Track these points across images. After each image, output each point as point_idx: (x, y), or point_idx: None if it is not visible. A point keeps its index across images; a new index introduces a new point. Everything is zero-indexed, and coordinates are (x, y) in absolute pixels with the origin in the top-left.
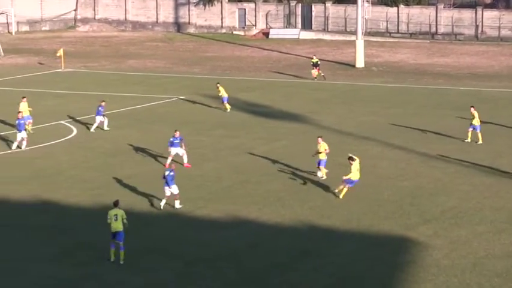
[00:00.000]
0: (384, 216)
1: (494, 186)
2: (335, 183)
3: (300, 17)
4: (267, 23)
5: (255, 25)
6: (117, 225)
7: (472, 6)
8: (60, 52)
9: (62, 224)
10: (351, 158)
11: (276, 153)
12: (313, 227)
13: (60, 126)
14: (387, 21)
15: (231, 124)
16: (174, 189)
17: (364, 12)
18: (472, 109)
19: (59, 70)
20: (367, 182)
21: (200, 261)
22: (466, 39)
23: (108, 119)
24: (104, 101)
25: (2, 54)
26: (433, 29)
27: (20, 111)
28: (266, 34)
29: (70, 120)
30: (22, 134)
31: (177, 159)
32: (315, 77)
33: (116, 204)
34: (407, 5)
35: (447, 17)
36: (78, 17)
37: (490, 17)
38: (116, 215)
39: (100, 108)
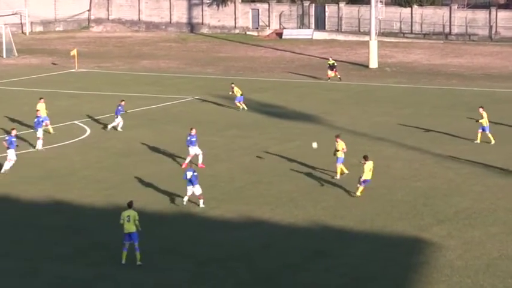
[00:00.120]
0: (398, 217)
1: (508, 187)
2: (349, 184)
3: (313, 17)
4: (280, 24)
5: (269, 25)
6: (130, 227)
7: (486, 6)
8: (74, 52)
9: (76, 224)
10: (365, 157)
11: (289, 153)
12: (326, 228)
13: (74, 127)
14: (401, 22)
15: (244, 124)
16: (197, 189)
17: (377, 13)
18: (480, 109)
19: (73, 70)
20: (381, 183)
21: (213, 262)
22: (480, 39)
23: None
24: (123, 100)
25: (16, 54)
26: (447, 30)
27: (38, 110)
28: (279, 34)
29: (84, 120)
30: (39, 133)
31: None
32: (329, 78)
33: (129, 205)
34: (421, 5)
35: (461, 18)
36: (92, 17)
37: (504, 17)
38: (129, 216)
39: (119, 107)
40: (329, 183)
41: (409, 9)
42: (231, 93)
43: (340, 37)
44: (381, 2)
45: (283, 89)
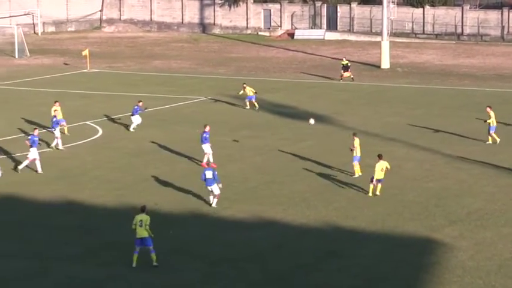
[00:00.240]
0: (409, 218)
1: None
2: (361, 185)
3: (325, 17)
4: (292, 24)
5: (280, 26)
6: (142, 232)
7: (498, 7)
8: (86, 53)
9: (87, 224)
10: (379, 156)
11: (301, 153)
12: (338, 228)
13: (86, 127)
14: (413, 22)
15: (257, 125)
16: (216, 188)
17: (389, 13)
18: (488, 109)
19: (85, 70)
20: (393, 183)
21: (225, 262)
22: (492, 40)
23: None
24: (140, 101)
25: (28, 54)
26: (459, 30)
27: (55, 110)
28: (291, 35)
29: (95, 120)
30: (57, 133)
31: (198, 157)
32: (341, 78)
33: (142, 209)
34: (433, 5)
35: (473, 18)
36: (104, 17)
37: None
38: (141, 220)
39: (136, 107)
40: (342, 184)
41: (421, 9)
42: (241, 92)
43: (352, 37)
44: (392, 2)
45: (295, 89)
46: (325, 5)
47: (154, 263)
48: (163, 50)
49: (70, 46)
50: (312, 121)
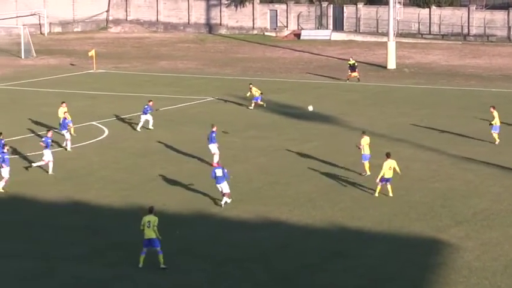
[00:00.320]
0: (415, 218)
1: None
2: (367, 185)
3: (331, 18)
4: (298, 24)
5: (287, 26)
6: (150, 233)
7: (505, 7)
8: (92, 53)
9: (93, 225)
10: (387, 155)
11: (306, 154)
12: (344, 228)
13: (92, 127)
14: (419, 23)
15: (262, 125)
16: (225, 186)
17: (395, 14)
18: (491, 109)
19: (91, 71)
20: (399, 184)
21: (230, 262)
22: (499, 40)
23: (144, 122)
24: (151, 100)
25: (34, 55)
26: (465, 31)
27: (65, 111)
28: (297, 35)
29: (102, 121)
30: (67, 135)
31: (207, 158)
32: (348, 78)
33: (150, 210)
34: (439, 6)
35: (479, 18)
36: (110, 18)
37: None
38: (149, 221)
39: (147, 107)
40: (347, 184)
41: (427, 10)
42: (248, 94)
43: (358, 38)
44: (399, 2)
45: (301, 89)
46: (332, 5)
47: (162, 265)
48: (169, 51)
49: (76, 47)
50: (310, 108)
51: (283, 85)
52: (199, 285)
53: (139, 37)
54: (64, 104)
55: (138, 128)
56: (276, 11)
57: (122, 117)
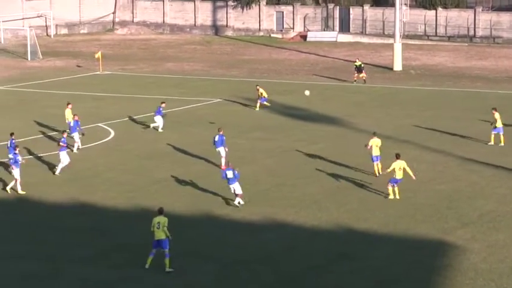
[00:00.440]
0: (421, 220)
1: None
2: (373, 187)
3: (337, 19)
4: (304, 26)
5: (293, 28)
6: (160, 234)
7: (511, 9)
8: (99, 55)
9: (99, 226)
10: (396, 156)
11: (313, 156)
12: (350, 230)
13: (98, 129)
14: (425, 24)
15: (269, 127)
16: (237, 187)
17: (402, 15)
18: (493, 111)
19: (97, 73)
20: (405, 186)
21: (237, 264)
22: (505, 42)
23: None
24: (163, 102)
25: (41, 57)
26: (471, 32)
27: (75, 114)
28: (304, 37)
29: (108, 122)
30: (76, 137)
31: (214, 159)
32: (355, 80)
33: (160, 211)
34: (445, 7)
35: (485, 20)
36: (117, 19)
37: None
38: (159, 222)
39: (160, 108)
40: (353, 186)
41: (433, 11)
42: (258, 95)
43: (365, 39)
44: (405, 4)
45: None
46: (338, 7)
47: (167, 269)
48: (176, 52)
49: (83, 48)
50: (307, 92)
51: (289, 87)
52: (206, 286)
53: (145, 39)
54: (70, 106)
55: (158, 128)
56: (282, 12)
57: (128, 119)
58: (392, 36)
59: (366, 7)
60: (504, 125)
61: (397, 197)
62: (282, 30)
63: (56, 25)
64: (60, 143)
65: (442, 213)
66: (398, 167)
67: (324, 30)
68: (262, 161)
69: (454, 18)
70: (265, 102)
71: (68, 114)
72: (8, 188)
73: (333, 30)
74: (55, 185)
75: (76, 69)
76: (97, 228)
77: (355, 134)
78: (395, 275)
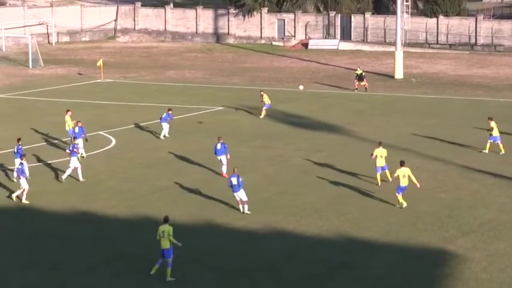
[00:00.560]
0: (422, 229)
1: None
2: (375, 196)
3: (339, 27)
4: (306, 34)
5: (294, 36)
6: (165, 243)
7: None
8: (100, 63)
9: (100, 235)
10: (401, 163)
11: (314, 164)
12: (351, 239)
13: (99, 137)
14: (426, 32)
15: (270, 135)
16: (243, 194)
17: (403, 23)
18: (489, 121)
19: (99, 80)
20: (406, 194)
21: (238, 272)
22: (506, 50)
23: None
24: (170, 109)
25: (42, 64)
26: (473, 40)
27: (79, 121)
28: (305, 45)
29: (109, 130)
30: (80, 144)
31: (215, 168)
32: (356, 88)
33: (165, 220)
34: (446, 15)
35: (487, 28)
36: (118, 27)
37: None
38: (164, 231)
39: (167, 115)
40: (354, 194)
41: (434, 19)
42: (261, 101)
43: (366, 47)
44: (406, 12)
45: (309, 99)
46: (339, 15)
47: (168, 278)
48: (177, 60)
49: (84, 56)
50: (301, 87)
51: (290, 95)
52: None
53: (147, 46)
54: (69, 113)
55: (162, 136)
56: (284, 20)
57: (130, 126)
58: (394, 44)
59: (367, 15)
60: (506, 133)
61: (397, 205)
62: (283, 38)
63: (58, 33)
64: (73, 149)
65: (443, 222)
66: (403, 174)
67: (326, 38)
68: (263, 169)
69: (456, 26)
70: (266, 109)
71: (68, 121)
72: (13, 196)
73: (335, 38)
74: (56, 193)
75: (77, 77)
76: (98, 236)
77: (356, 143)
78: (396, 284)
